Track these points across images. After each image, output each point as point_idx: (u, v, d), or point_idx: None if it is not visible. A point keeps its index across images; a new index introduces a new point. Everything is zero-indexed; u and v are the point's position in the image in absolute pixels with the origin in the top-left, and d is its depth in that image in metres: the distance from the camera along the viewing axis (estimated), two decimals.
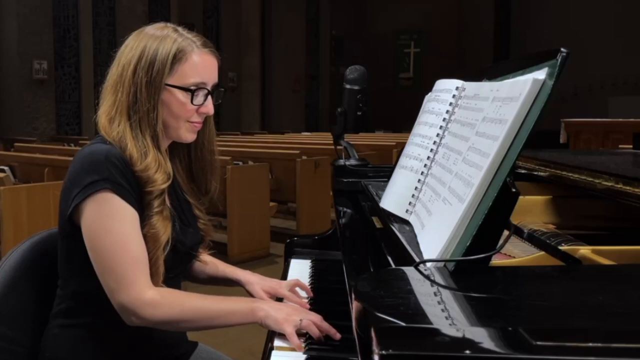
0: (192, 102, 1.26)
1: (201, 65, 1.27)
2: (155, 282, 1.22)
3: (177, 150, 1.39)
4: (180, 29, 1.30)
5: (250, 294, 1.43)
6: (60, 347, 1.29)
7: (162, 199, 1.24)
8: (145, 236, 1.21)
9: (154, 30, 1.28)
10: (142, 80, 1.23)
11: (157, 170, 1.22)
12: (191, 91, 1.26)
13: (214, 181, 1.43)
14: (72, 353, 1.29)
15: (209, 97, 1.30)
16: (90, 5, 11.13)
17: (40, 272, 1.38)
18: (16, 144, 7.74)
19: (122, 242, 1.18)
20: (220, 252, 4.73)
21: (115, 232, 1.17)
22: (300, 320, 1.16)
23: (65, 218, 1.22)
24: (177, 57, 1.24)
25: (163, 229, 1.23)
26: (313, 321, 1.16)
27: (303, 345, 1.14)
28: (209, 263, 1.51)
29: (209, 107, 1.30)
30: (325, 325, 1.17)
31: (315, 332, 1.15)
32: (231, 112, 14.36)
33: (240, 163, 5.42)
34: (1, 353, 1.32)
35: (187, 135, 1.31)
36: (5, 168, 5.19)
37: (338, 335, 1.16)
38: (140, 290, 1.17)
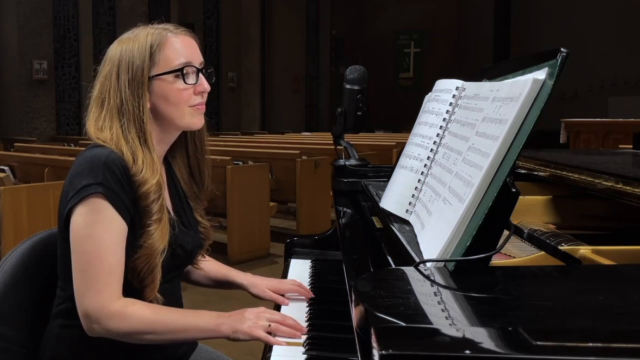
0: (185, 82, 1.26)
1: (181, 46, 1.28)
2: (150, 291, 1.22)
3: (177, 148, 1.39)
4: (153, 24, 1.31)
5: (255, 296, 1.45)
6: (61, 347, 1.29)
7: (161, 204, 1.23)
8: (141, 246, 1.21)
9: (127, 34, 1.30)
10: (125, 82, 1.24)
11: (147, 170, 1.22)
12: (180, 71, 1.26)
13: (207, 169, 1.43)
14: (73, 353, 1.29)
15: (200, 75, 1.29)
16: (90, 5, 11.13)
17: (40, 272, 1.38)
18: (16, 144, 7.73)
19: (102, 250, 1.17)
20: (220, 252, 4.73)
21: (98, 239, 1.17)
22: (269, 324, 1.18)
23: (62, 221, 1.23)
24: (155, 47, 1.26)
25: (160, 239, 1.22)
26: (278, 321, 1.19)
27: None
28: (208, 266, 1.52)
29: (204, 84, 1.30)
30: (291, 321, 1.20)
31: (284, 331, 1.18)
32: (231, 112, 14.36)
33: (240, 163, 5.41)
34: (1, 353, 1.32)
35: (195, 120, 1.30)
36: (5, 168, 5.18)
37: (304, 330, 1.19)
38: (107, 300, 1.17)
